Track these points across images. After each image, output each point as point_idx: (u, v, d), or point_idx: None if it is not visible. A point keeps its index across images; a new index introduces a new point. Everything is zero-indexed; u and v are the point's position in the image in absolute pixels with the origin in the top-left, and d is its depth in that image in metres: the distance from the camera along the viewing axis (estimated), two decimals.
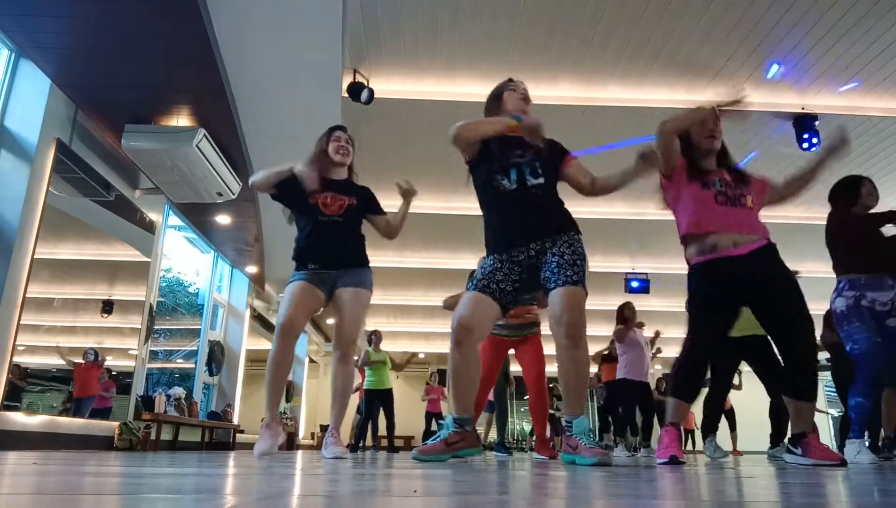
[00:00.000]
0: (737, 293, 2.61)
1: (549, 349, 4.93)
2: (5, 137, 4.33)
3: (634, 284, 9.39)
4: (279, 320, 3.07)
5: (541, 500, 0.96)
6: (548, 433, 4.79)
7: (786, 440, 4.39)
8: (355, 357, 7.95)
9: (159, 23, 3.83)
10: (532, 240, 2.42)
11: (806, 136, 5.48)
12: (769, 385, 4.39)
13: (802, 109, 5.47)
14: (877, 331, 3.15)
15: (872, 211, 3.46)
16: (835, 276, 4.38)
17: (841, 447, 5.52)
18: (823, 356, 5.53)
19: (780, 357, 2.64)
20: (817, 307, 5.53)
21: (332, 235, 3.13)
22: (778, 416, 4.82)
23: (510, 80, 2.72)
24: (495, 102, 2.68)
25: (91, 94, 4.65)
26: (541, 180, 2.49)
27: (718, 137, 2.72)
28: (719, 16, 4.48)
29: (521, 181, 2.47)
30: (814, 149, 5.53)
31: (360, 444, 8.04)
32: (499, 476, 1.65)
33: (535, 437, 4.92)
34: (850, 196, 3.47)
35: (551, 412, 11.02)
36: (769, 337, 2.75)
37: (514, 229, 2.46)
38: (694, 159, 2.71)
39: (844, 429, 5.19)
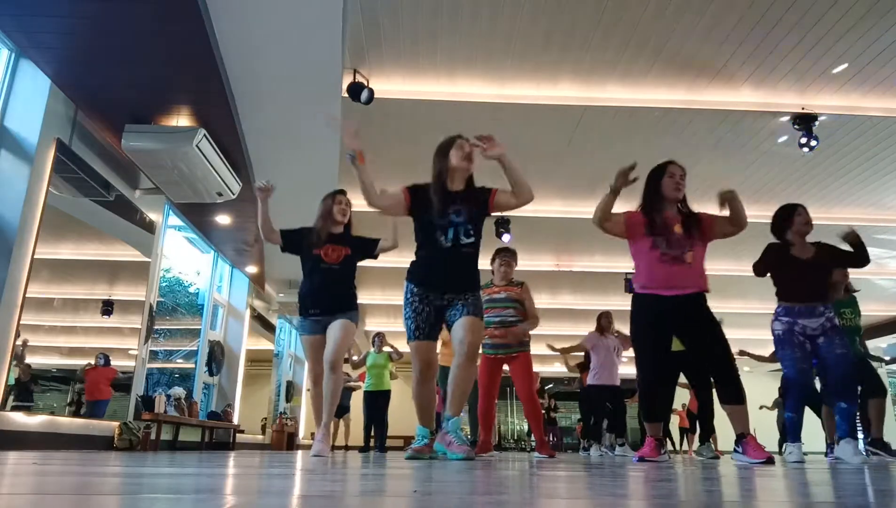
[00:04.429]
0: (668, 323, 3.20)
1: (536, 353, 5.12)
2: (5, 137, 4.32)
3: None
4: (309, 374, 4.00)
5: (539, 500, 0.96)
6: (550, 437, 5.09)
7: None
8: (355, 357, 8.01)
9: (159, 23, 3.83)
10: (449, 292, 3.01)
11: (804, 140, 5.48)
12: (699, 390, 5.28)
13: (802, 109, 5.46)
14: (808, 354, 3.66)
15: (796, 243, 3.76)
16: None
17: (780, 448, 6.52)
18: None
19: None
20: None
21: (330, 281, 3.85)
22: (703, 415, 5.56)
23: (459, 136, 3.14)
24: (441, 155, 3.14)
25: (91, 94, 4.65)
26: (471, 240, 3.00)
27: (682, 189, 3.24)
28: (719, 16, 4.48)
29: (455, 240, 2.96)
30: (807, 150, 5.53)
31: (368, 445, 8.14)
32: (498, 476, 1.65)
33: (534, 439, 5.10)
34: (784, 227, 3.79)
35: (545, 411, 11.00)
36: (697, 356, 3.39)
37: (439, 280, 3.02)
38: (652, 214, 3.20)
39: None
